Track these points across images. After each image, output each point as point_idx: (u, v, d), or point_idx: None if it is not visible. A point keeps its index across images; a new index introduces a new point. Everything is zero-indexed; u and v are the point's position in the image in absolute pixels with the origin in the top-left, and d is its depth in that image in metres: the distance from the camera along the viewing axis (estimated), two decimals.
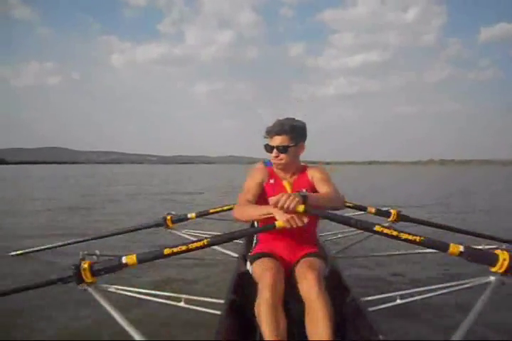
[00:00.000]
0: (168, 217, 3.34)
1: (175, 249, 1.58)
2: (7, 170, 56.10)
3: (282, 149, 2.11)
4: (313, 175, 2.20)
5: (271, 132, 2.10)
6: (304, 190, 2.09)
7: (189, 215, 3.33)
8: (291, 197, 1.64)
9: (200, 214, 3.40)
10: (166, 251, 1.59)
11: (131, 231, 4.10)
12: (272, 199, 1.69)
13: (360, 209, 3.35)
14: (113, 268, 1.57)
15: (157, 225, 3.38)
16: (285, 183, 2.14)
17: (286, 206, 1.63)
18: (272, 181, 2.19)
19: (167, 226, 3.36)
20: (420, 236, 1.60)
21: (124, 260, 1.55)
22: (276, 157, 2.12)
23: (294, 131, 2.10)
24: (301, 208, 1.66)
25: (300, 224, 1.64)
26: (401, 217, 3.23)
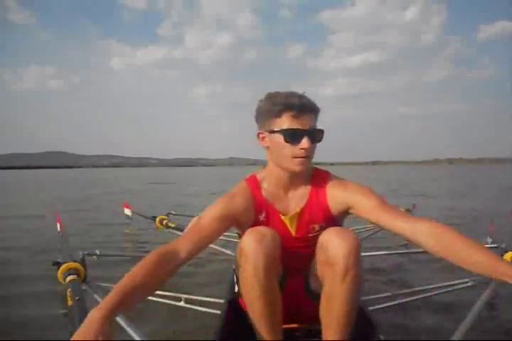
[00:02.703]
0: (158, 219, 3.73)
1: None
2: None
3: (318, 135, 1.28)
4: (335, 200, 1.33)
5: (303, 107, 1.21)
6: (317, 228, 1.33)
7: (171, 224, 3.63)
8: None
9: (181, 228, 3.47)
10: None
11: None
12: None
13: None
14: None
15: (149, 222, 3.96)
16: (285, 219, 1.35)
17: None
18: (262, 217, 1.34)
19: (157, 227, 3.77)
20: None
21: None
22: (306, 149, 1.23)
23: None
24: None
25: None
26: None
